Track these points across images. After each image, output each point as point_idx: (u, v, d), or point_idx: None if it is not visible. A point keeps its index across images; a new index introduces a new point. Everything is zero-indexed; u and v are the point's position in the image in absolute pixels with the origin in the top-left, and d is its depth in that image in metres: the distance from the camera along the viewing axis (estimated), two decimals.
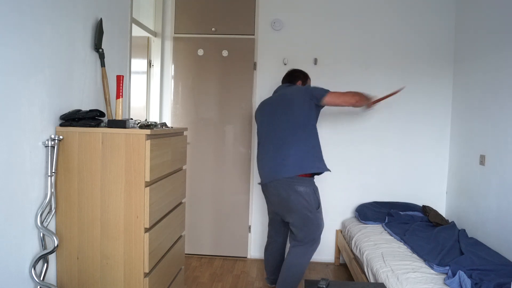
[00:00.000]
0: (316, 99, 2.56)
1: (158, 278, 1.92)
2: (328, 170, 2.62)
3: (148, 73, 3.61)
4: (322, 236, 3.52)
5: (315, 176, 2.69)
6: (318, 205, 2.59)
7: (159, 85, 3.64)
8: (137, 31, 3.20)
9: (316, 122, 2.66)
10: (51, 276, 1.77)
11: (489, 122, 2.88)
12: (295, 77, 2.86)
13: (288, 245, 2.86)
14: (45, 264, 1.68)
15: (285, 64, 3.56)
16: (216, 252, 3.70)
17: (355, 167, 3.58)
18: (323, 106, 2.63)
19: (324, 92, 2.56)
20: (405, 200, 3.53)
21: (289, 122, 2.55)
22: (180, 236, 2.37)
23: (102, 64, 2.11)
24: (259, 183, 2.78)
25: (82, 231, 1.75)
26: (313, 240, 2.63)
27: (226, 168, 3.68)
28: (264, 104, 2.79)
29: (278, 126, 2.59)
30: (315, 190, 2.59)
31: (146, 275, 1.77)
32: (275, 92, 2.87)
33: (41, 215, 1.65)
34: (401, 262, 2.37)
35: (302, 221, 2.57)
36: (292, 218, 2.60)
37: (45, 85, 1.69)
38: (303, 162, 2.51)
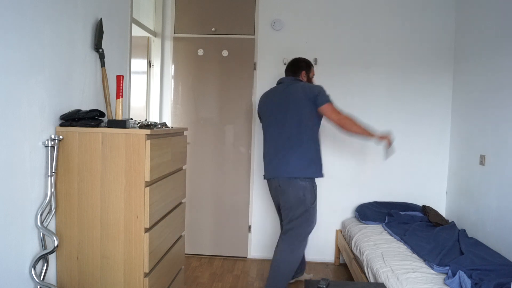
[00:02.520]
0: (317, 103, 2.62)
1: (158, 278, 1.92)
2: (322, 176, 2.71)
3: (148, 73, 3.61)
4: (322, 236, 3.58)
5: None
6: (314, 201, 2.63)
7: (159, 85, 3.64)
8: (137, 31, 3.20)
9: (319, 125, 2.70)
10: (51, 276, 1.77)
11: (489, 122, 2.88)
12: (298, 67, 2.82)
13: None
14: (45, 264, 1.68)
15: (285, 64, 3.54)
16: (216, 252, 3.70)
17: (355, 167, 3.58)
18: None
19: (327, 101, 2.60)
20: (405, 200, 3.53)
21: (293, 125, 2.61)
22: (180, 236, 2.37)
23: (102, 64, 2.11)
24: (264, 178, 2.82)
25: (82, 231, 1.75)
26: (300, 235, 2.64)
27: (226, 168, 3.68)
28: (267, 98, 2.80)
29: (282, 126, 2.65)
30: (314, 186, 2.65)
31: (146, 275, 1.77)
32: (278, 83, 2.85)
33: (41, 215, 1.65)
34: (401, 262, 2.37)
35: (295, 214, 2.64)
36: (287, 209, 2.67)
37: (45, 85, 1.69)
38: (301, 167, 2.61)
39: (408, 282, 2.10)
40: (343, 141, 3.55)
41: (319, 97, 2.59)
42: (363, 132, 2.61)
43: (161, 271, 1.98)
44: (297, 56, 2.90)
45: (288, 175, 2.60)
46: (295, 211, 2.64)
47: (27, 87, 1.57)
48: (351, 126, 2.58)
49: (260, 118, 2.88)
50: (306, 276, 3.16)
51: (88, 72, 2.05)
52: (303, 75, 2.80)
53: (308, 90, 2.64)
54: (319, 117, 2.68)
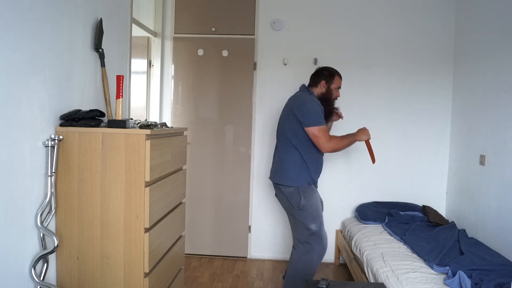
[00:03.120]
0: (302, 123, 2.54)
1: (158, 278, 1.92)
2: (305, 185, 2.59)
3: (148, 73, 3.61)
4: None
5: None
6: (298, 205, 2.55)
7: (159, 85, 3.64)
8: (137, 31, 3.20)
9: (306, 136, 2.58)
10: (51, 276, 1.77)
11: (489, 122, 2.88)
12: (319, 75, 2.72)
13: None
14: (45, 264, 1.68)
15: (285, 64, 3.56)
16: (216, 252, 3.70)
17: (355, 167, 3.58)
18: None
19: (312, 124, 2.50)
20: (405, 200, 3.53)
21: (284, 132, 2.65)
22: (180, 236, 2.37)
23: (102, 64, 2.11)
24: None
25: (82, 231, 1.75)
26: (305, 242, 2.59)
27: (226, 168, 3.68)
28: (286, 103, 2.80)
29: (279, 132, 2.72)
30: (301, 191, 2.57)
31: (146, 275, 1.77)
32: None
33: (41, 215, 1.65)
34: (401, 262, 2.37)
35: (290, 221, 2.70)
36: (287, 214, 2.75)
37: (45, 85, 1.69)
38: (285, 174, 2.61)
39: (408, 282, 2.10)
40: None
41: (304, 117, 2.52)
42: (350, 143, 2.64)
43: (161, 271, 1.98)
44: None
45: (276, 181, 2.67)
46: (288, 216, 2.70)
47: (27, 87, 1.57)
48: (339, 148, 2.60)
49: None
50: None
51: (88, 72, 2.05)
52: (322, 85, 2.67)
53: (297, 104, 2.59)
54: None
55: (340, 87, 2.78)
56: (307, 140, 2.58)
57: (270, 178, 2.76)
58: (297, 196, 2.56)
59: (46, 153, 1.68)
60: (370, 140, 2.74)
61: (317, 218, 2.59)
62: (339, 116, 2.83)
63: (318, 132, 2.51)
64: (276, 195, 2.75)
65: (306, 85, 2.77)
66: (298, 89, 2.82)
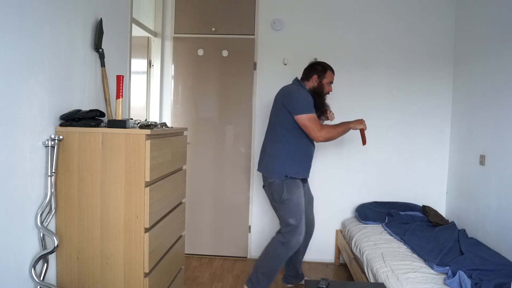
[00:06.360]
0: (291, 112, 2.57)
1: (158, 278, 1.92)
2: (291, 177, 2.60)
3: (148, 73, 3.61)
4: (322, 236, 3.57)
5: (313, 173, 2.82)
6: (280, 198, 2.59)
7: (159, 85, 3.64)
8: (137, 31, 3.20)
9: (295, 127, 2.60)
10: (51, 276, 1.77)
11: (489, 122, 2.88)
12: (311, 70, 2.76)
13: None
14: (45, 264, 1.68)
15: (285, 64, 3.56)
16: (216, 252, 3.70)
17: (355, 167, 3.58)
18: None
19: (301, 112, 2.53)
20: (405, 200, 3.53)
21: (272, 123, 2.71)
22: (180, 236, 2.37)
23: (102, 64, 2.11)
24: None
25: (82, 231, 1.76)
26: (283, 233, 2.63)
27: (226, 168, 3.68)
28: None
29: (269, 124, 2.78)
30: (285, 184, 2.59)
31: (146, 275, 1.77)
32: None
33: (41, 215, 1.65)
34: (401, 262, 2.37)
35: (274, 209, 2.76)
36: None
37: (45, 85, 1.69)
38: (271, 165, 2.66)
39: (408, 282, 2.10)
40: (342, 141, 3.55)
41: (293, 105, 2.55)
42: (344, 131, 2.65)
43: (161, 271, 1.98)
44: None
45: (263, 172, 2.73)
46: (273, 207, 2.75)
47: (27, 87, 1.58)
48: (332, 136, 2.59)
49: None
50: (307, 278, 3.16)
51: (88, 72, 2.05)
52: (313, 79, 2.72)
53: (286, 94, 2.62)
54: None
55: (332, 82, 2.81)
56: (297, 130, 2.61)
57: (258, 169, 2.79)
58: (280, 189, 2.60)
59: (46, 153, 1.69)
60: (365, 131, 2.77)
61: (297, 213, 2.61)
62: (327, 117, 2.84)
63: (308, 121, 2.54)
64: (263, 186, 2.78)
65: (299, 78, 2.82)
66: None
